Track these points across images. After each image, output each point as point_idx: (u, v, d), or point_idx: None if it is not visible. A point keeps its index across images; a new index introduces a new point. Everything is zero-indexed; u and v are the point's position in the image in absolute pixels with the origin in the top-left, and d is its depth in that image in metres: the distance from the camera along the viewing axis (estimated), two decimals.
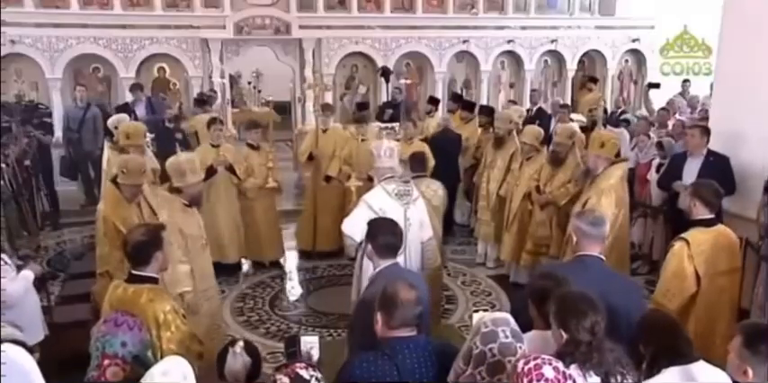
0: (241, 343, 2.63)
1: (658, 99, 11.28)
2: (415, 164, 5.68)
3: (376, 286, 3.08)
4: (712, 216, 3.98)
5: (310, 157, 7.20)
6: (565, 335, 2.33)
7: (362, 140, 7.34)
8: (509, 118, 7.23)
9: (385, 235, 3.19)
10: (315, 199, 7.32)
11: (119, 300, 2.99)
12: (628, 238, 5.51)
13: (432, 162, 6.52)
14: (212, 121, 6.80)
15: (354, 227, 4.12)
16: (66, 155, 9.02)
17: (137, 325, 2.48)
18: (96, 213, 4.54)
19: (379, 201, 4.22)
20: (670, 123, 8.26)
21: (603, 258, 3.25)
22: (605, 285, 2.75)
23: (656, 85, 10.70)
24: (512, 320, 2.26)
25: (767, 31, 5.41)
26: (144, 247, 3.03)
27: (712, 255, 3.94)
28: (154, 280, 3.10)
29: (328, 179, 7.24)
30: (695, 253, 3.90)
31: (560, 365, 1.97)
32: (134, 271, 3.06)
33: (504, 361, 2.14)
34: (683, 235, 4.03)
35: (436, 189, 5.43)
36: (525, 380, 1.91)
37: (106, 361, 2.35)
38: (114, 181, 4.51)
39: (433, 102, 9.65)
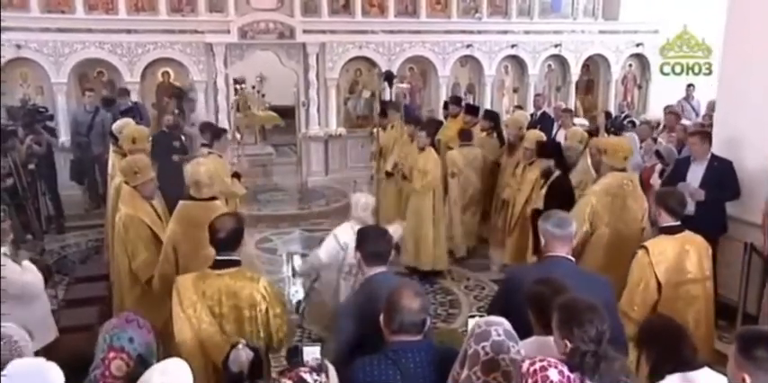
0: (243, 341, 2.91)
1: (659, 100, 11.29)
2: (463, 136, 7.40)
3: (365, 292, 3.08)
4: (677, 223, 3.99)
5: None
6: (570, 345, 2.25)
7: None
8: (519, 124, 7.21)
9: (373, 243, 3.18)
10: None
11: (214, 287, 3.15)
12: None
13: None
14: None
15: (321, 253, 4.72)
16: (76, 159, 9.04)
17: (146, 326, 2.48)
18: (119, 220, 4.35)
19: (345, 237, 4.62)
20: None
21: (572, 258, 3.27)
22: (575, 284, 2.74)
23: None
24: (506, 322, 2.25)
25: None
26: (239, 233, 3.26)
27: (676, 263, 3.93)
28: (239, 263, 3.27)
29: (388, 175, 7.57)
30: (656, 261, 3.88)
31: (566, 369, 1.96)
32: (221, 257, 3.23)
33: (497, 359, 2.13)
34: (644, 242, 4.03)
35: (476, 154, 7.30)
36: (530, 381, 1.93)
37: (111, 354, 2.33)
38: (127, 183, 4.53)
39: (446, 105, 9.64)
